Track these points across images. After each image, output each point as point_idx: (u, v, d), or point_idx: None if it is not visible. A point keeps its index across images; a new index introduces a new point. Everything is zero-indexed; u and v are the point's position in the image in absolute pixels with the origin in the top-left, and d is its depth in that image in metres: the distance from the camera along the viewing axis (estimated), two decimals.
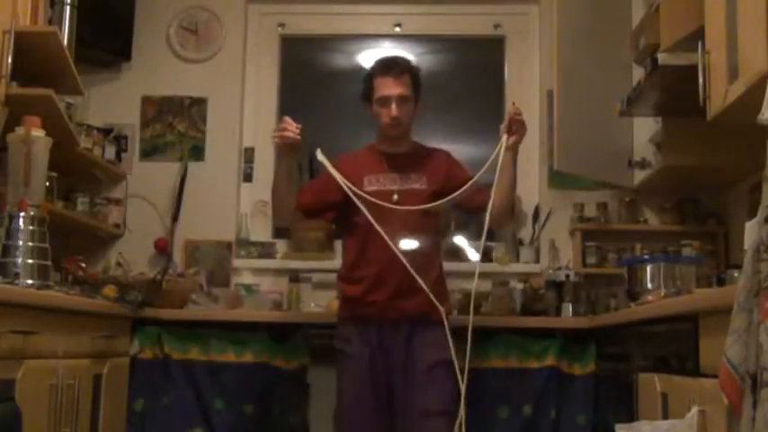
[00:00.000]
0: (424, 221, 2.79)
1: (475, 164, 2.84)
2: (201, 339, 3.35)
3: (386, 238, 2.62)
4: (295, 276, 3.81)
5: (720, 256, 3.73)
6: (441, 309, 2.65)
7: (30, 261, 2.52)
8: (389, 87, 2.77)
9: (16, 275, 2.45)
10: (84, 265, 3.58)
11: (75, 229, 3.69)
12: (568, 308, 3.56)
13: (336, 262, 3.95)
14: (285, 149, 2.75)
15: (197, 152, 4.09)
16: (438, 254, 2.92)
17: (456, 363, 2.56)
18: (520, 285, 3.73)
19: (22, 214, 2.54)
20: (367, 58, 4.39)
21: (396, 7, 4.26)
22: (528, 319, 3.50)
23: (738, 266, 2.24)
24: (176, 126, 4.11)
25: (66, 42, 3.34)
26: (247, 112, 4.19)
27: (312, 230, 3.95)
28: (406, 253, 2.70)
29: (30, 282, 2.47)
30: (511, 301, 3.65)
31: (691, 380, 2.09)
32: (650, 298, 2.81)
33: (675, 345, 2.30)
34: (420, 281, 2.61)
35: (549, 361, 3.30)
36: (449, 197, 2.69)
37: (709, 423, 1.90)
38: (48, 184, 2.89)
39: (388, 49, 4.33)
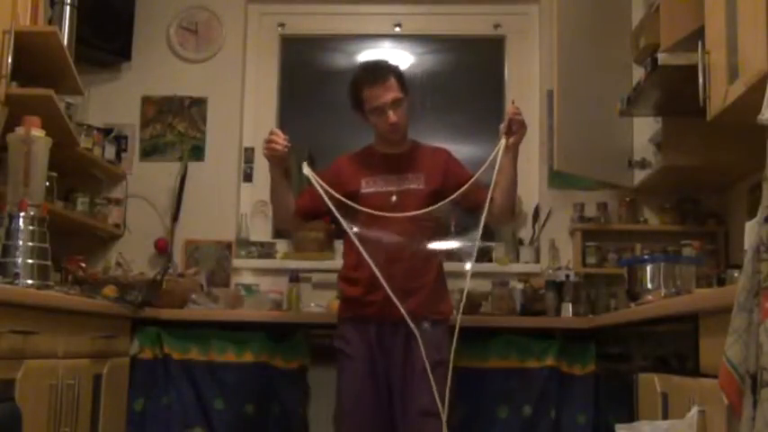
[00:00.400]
0: (423, 223, 2.77)
1: (475, 164, 2.83)
2: (201, 339, 3.35)
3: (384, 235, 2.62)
4: (295, 276, 3.81)
5: (720, 256, 3.73)
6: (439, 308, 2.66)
7: (30, 261, 2.52)
8: (381, 96, 2.76)
9: (16, 275, 2.45)
10: (84, 265, 3.58)
11: (75, 229, 3.69)
12: (568, 308, 3.56)
13: (336, 262, 3.96)
14: (273, 161, 2.75)
15: (197, 152, 4.09)
16: (437, 254, 2.90)
17: (451, 363, 2.57)
18: (520, 285, 3.73)
19: (22, 214, 2.54)
20: (367, 58, 4.39)
21: (396, 7, 4.26)
22: (528, 319, 3.50)
23: (738, 266, 2.25)
24: (176, 126, 4.11)
25: (66, 42, 3.34)
26: (247, 112, 4.19)
27: (312, 230, 3.94)
28: (404, 254, 2.70)
29: (30, 282, 2.47)
30: (511, 301, 3.65)
31: (691, 380, 2.09)
32: (650, 298, 2.81)
33: (675, 345, 2.30)
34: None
35: (549, 361, 3.30)
36: (441, 203, 2.68)
37: (709, 423, 1.90)
38: (48, 184, 2.89)
39: (388, 49, 4.33)
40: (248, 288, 3.84)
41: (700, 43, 2.75)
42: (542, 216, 3.93)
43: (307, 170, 2.70)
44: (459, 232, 3.93)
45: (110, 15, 4.01)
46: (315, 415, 3.40)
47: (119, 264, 3.79)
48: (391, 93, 2.77)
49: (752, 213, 1.70)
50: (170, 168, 4.05)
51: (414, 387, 2.68)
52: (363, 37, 4.34)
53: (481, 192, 2.68)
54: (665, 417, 2.23)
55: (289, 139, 2.72)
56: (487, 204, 2.62)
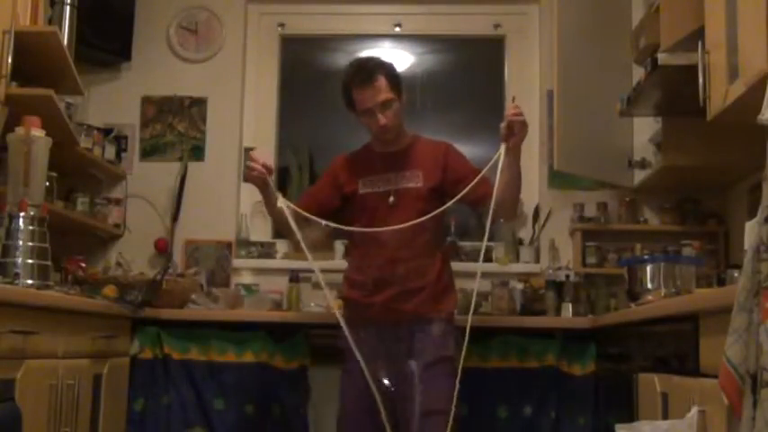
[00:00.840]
0: (423, 223, 2.71)
1: (475, 163, 2.83)
2: (201, 339, 3.35)
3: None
4: (295, 276, 3.81)
5: (720, 256, 3.73)
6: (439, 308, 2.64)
7: (30, 261, 2.52)
8: (369, 98, 2.71)
9: (16, 275, 2.45)
10: (84, 265, 3.59)
11: (75, 229, 3.69)
12: (568, 308, 3.56)
13: (336, 262, 3.97)
14: (254, 184, 2.72)
15: (197, 152, 4.09)
16: (439, 254, 2.86)
17: (453, 359, 2.56)
18: (520, 285, 3.73)
19: (22, 214, 2.54)
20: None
21: (396, 7, 4.26)
22: (528, 319, 3.50)
23: (738, 266, 2.25)
24: (176, 126, 4.11)
25: (66, 42, 3.34)
26: (247, 112, 4.20)
27: (312, 230, 3.94)
28: (404, 255, 2.69)
29: (30, 282, 2.47)
30: (511, 301, 3.65)
31: (691, 380, 2.09)
32: (650, 298, 2.81)
33: (675, 345, 2.30)
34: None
35: (549, 361, 3.30)
36: (434, 212, 2.62)
37: (709, 423, 1.89)
38: (48, 184, 2.89)
39: (388, 49, 4.33)
40: (248, 288, 3.84)
41: (700, 43, 2.75)
42: (542, 216, 3.93)
43: (281, 203, 2.66)
44: (460, 233, 3.95)
45: (110, 15, 4.01)
46: (315, 415, 3.40)
47: (119, 264, 3.79)
48: (381, 94, 2.71)
49: (752, 213, 1.70)
50: (170, 168, 4.05)
51: (413, 386, 2.67)
52: (363, 37, 4.34)
53: (484, 185, 2.60)
54: (665, 417, 2.23)
55: (266, 163, 2.66)
56: (493, 204, 2.55)
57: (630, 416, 2.55)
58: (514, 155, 2.60)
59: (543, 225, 3.93)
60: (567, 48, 3.55)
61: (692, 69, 2.77)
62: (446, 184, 2.76)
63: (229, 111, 4.13)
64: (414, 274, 2.73)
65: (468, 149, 3.00)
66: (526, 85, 4.12)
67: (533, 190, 3.98)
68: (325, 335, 3.22)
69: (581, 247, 3.85)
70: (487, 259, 3.89)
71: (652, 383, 2.40)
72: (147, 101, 4.13)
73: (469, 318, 2.49)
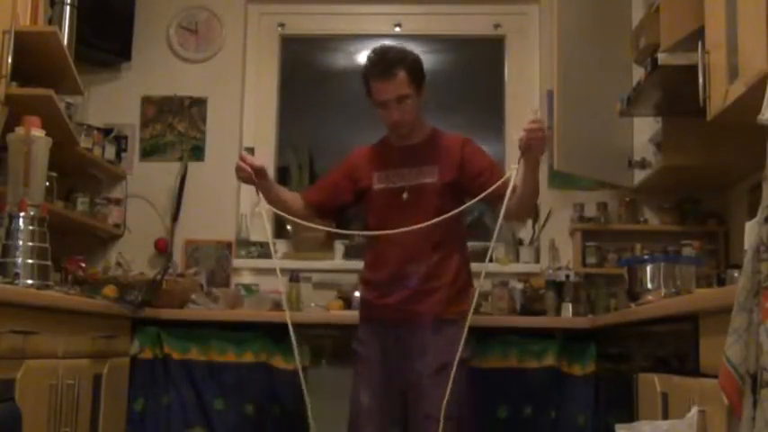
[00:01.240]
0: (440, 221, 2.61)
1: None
2: (201, 339, 3.35)
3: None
4: (295, 276, 3.81)
5: (720, 256, 3.73)
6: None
7: (30, 261, 2.52)
8: (385, 91, 2.65)
9: (16, 275, 2.45)
10: (84, 265, 3.59)
11: (75, 229, 3.69)
12: (568, 308, 3.56)
13: (336, 262, 3.98)
14: (246, 183, 2.69)
15: (197, 152, 4.09)
16: (457, 253, 2.76)
17: (467, 363, 2.54)
18: (520, 285, 3.73)
19: (22, 214, 2.54)
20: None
21: (396, 7, 4.26)
22: (528, 319, 3.50)
23: (738, 266, 2.25)
24: (176, 126, 4.11)
25: (66, 42, 3.34)
26: (247, 112, 4.20)
27: (312, 230, 3.94)
28: (418, 254, 2.64)
29: (30, 282, 2.47)
30: (511, 301, 3.65)
31: (691, 380, 2.09)
32: (650, 298, 2.81)
33: (675, 345, 2.30)
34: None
35: (549, 361, 3.30)
36: (447, 214, 2.52)
37: (709, 423, 1.89)
38: (48, 184, 2.89)
39: None
40: (248, 288, 3.84)
41: (700, 43, 2.75)
42: (542, 216, 3.93)
43: (260, 207, 2.65)
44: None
45: (110, 15, 4.01)
46: (315, 415, 3.39)
47: (119, 264, 3.79)
48: (398, 89, 2.64)
49: (752, 213, 1.70)
50: (170, 168, 4.05)
51: (423, 389, 2.62)
52: (363, 37, 4.34)
53: (502, 184, 2.50)
54: (665, 417, 2.23)
55: (254, 164, 2.63)
56: (504, 209, 2.47)
57: (630, 416, 2.55)
58: (532, 168, 2.52)
59: (543, 225, 3.93)
60: (567, 48, 3.55)
61: (692, 69, 2.77)
62: (464, 179, 2.69)
63: (229, 111, 4.13)
64: (429, 275, 2.68)
65: None
66: (526, 85, 4.12)
67: None
68: (325, 335, 3.23)
69: (581, 247, 3.85)
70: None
71: (652, 383, 2.40)
72: (147, 101, 4.13)
73: (468, 317, 2.49)
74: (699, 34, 2.82)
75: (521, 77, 4.16)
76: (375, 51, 2.74)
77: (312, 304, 3.76)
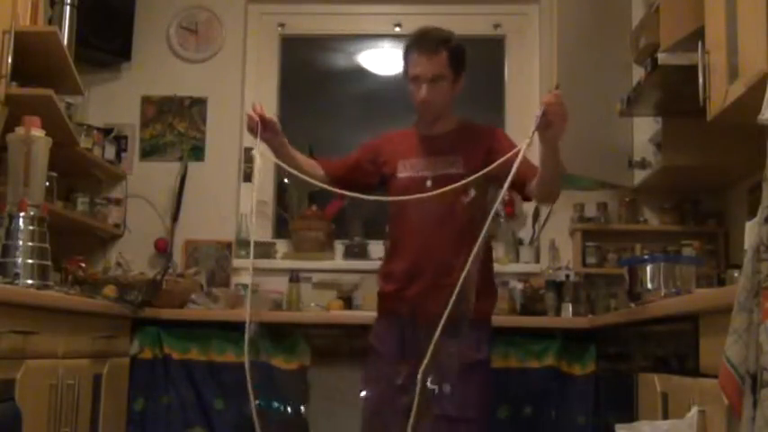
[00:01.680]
0: (463, 209, 2.53)
1: None
2: (201, 339, 3.35)
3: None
4: (295, 276, 3.81)
5: (720, 256, 3.73)
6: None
7: (30, 261, 2.52)
8: (421, 66, 2.58)
9: (16, 275, 2.45)
10: (84, 265, 3.58)
11: (75, 229, 3.69)
12: (568, 308, 3.56)
13: (336, 262, 3.98)
14: (251, 134, 2.62)
15: (197, 152, 4.09)
16: (481, 245, 2.59)
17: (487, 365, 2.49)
18: (520, 285, 3.73)
19: (22, 214, 2.54)
20: (367, 58, 4.39)
21: (396, 7, 4.26)
22: (528, 319, 3.50)
23: (738, 266, 2.24)
24: (176, 126, 4.11)
25: (66, 42, 3.34)
26: (247, 112, 4.18)
27: (312, 230, 3.95)
28: (438, 241, 2.53)
29: (30, 282, 2.47)
30: (511, 301, 3.65)
31: (691, 380, 2.09)
32: (650, 298, 2.81)
33: (675, 345, 2.30)
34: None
35: (549, 361, 3.30)
36: (461, 182, 2.33)
37: (709, 423, 1.89)
38: (48, 184, 2.88)
39: (387, 49, 4.33)
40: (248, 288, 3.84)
41: (700, 43, 2.75)
42: (542, 216, 3.93)
43: (255, 151, 2.57)
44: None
45: (110, 15, 4.01)
46: (315, 415, 3.40)
47: (119, 264, 3.79)
48: (435, 67, 2.57)
49: (752, 213, 1.70)
50: (170, 168, 4.05)
51: (440, 390, 2.49)
52: (363, 37, 4.34)
53: (525, 168, 2.34)
54: (665, 417, 2.23)
55: (264, 114, 2.59)
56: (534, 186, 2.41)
57: (630, 416, 2.55)
58: (551, 148, 2.36)
59: (543, 225, 3.93)
60: (566, 48, 3.55)
61: (692, 69, 2.77)
62: (489, 163, 2.49)
63: (229, 111, 4.13)
64: (450, 267, 2.45)
65: None
66: (526, 85, 4.12)
67: None
68: (325, 335, 3.23)
69: (581, 247, 3.85)
70: None
71: (652, 383, 2.40)
72: (147, 101, 4.13)
73: (445, 314, 2.43)
74: (699, 34, 2.82)
75: (521, 77, 4.16)
76: (422, 28, 2.70)
77: (312, 304, 3.77)
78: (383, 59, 4.39)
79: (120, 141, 4.02)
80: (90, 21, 3.75)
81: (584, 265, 3.81)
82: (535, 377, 3.29)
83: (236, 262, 3.99)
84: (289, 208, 4.12)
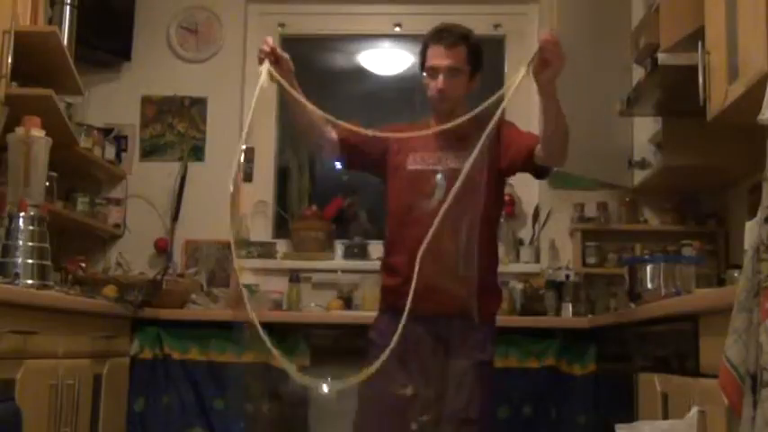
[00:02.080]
0: (471, 203, 2.43)
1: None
2: (201, 339, 3.36)
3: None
4: (295, 276, 3.81)
5: (720, 256, 3.73)
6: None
7: (30, 261, 2.52)
8: (439, 57, 2.57)
9: (16, 275, 2.45)
10: (84, 265, 3.59)
11: (75, 229, 3.69)
12: (568, 308, 3.56)
13: (336, 262, 3.98)
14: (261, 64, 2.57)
15: (197, 152, 4.09)
16: (488, 241, 2.59)
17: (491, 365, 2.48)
18: (520, 285, 3.73)
19: (22, 214, 2.54)
20: (367, 58, 4.39)
21: (396, 7, 4.26)
22: (528, 319, 3.50)
23: (738, 266, 2.25)
24: (176, 126, 4.11)
25: (66, 42, 3.34)
26: (247, 112, 4.18)
27: (312, 230, 3.95)
28: (444, 236, 2.37)
29: (30, 282, 2.47)
30: (511, 301, 3.65)
31: (691, 380, 2.09)
32: (650, 298, 2.81)
33: (675, 345, 2.30)
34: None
35: (549, 361, 3.31)
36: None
37: (709, 423, 1.90)
38: (48, 184, 2.88)
39: (387, 49, 4.33)
40: (248, 288, 3.84)
41: (700, 43, 2.75)
42: (542, 216, 3.93)
43: (263, 67, 2.55)
44: None
45: (110, 15, 4.01)
46: (315, 415, 3.40)
47: (119, 264, 3.79)
48: (451, 59, 2.57)
49: (752, 213, 1.70)
50: (170, 168, 4.05)
51: (444, 390, 2.48)
52: (363, 37, 4.34)
53: (527, 138, 2.41)
54: (665, 417, 2.24)
55: (275, 49, 2.59)
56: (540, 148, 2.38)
57: (630, 416, 2.55)
58: (548, 92, 2.35)
59: (543, 225, 3.93)
60: (566, 48, 3.52)
61: (692, 69, 2.77)
62: (499, 157, 2.56)
63: (229, 111, 4.13)
64: (452, 261, 2.45)
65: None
66: (526, 85, 4.11)
67: (533, 190, 3.98)
68: (325, 335, 3.22)
69: (581, 247, 3.85)
70: None
71: (652, 383, 2.40)
72: (147, 101, 4.13)
73: (407, 307, 2.39)
74: (699, 34, 2.82)
75: None
76: (442, 23, 2.73)
77: (312, 304, 3.77)
78: (383, 59, 4.40)
79: (120, 141, 4.02)
80: (90, 21, 3.74)
81: (585, 265, 3.81)
82: (535, 377, 3.30)
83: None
84: (289, 208, 4.13)
